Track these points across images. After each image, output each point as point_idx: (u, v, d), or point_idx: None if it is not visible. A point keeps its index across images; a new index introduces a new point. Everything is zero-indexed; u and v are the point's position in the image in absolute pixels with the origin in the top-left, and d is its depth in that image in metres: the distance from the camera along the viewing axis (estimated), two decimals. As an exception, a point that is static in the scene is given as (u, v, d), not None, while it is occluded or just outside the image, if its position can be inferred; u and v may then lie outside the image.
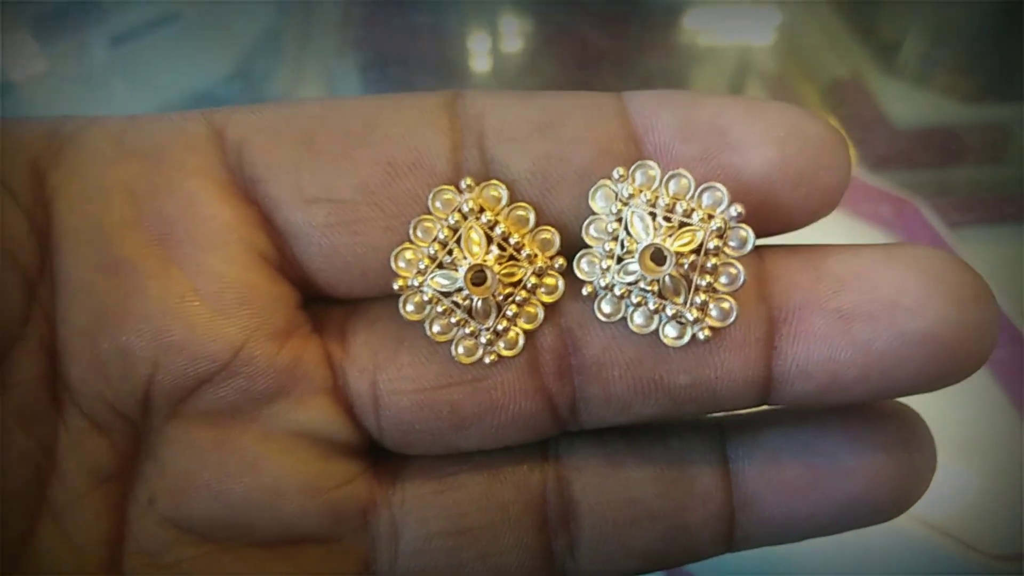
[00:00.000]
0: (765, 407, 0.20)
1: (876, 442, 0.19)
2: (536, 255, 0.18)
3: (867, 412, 0.20)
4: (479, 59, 0.54)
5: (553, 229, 0.18)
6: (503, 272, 0.18)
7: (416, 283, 0.18)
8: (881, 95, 0.53)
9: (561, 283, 0.19)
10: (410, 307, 0.19)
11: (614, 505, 0.20)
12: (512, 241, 0.18)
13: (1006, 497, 0.35)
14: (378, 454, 0.20)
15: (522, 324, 0.19)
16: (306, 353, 0.19)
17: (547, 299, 0.19)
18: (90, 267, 0.18)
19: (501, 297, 0.18)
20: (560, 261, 0.18)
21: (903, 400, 0.20)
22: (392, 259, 0.18)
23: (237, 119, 0.19)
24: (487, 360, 0.19)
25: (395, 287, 0.18)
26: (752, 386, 0.18)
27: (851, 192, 0.46)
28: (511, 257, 0.18)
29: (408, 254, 0.18)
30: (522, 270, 0.18)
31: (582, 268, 0.18)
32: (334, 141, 0.18)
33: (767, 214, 0.18)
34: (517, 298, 0.18)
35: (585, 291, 0.18)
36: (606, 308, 0.18)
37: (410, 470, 0.20)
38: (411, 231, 0.18)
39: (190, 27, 0.48)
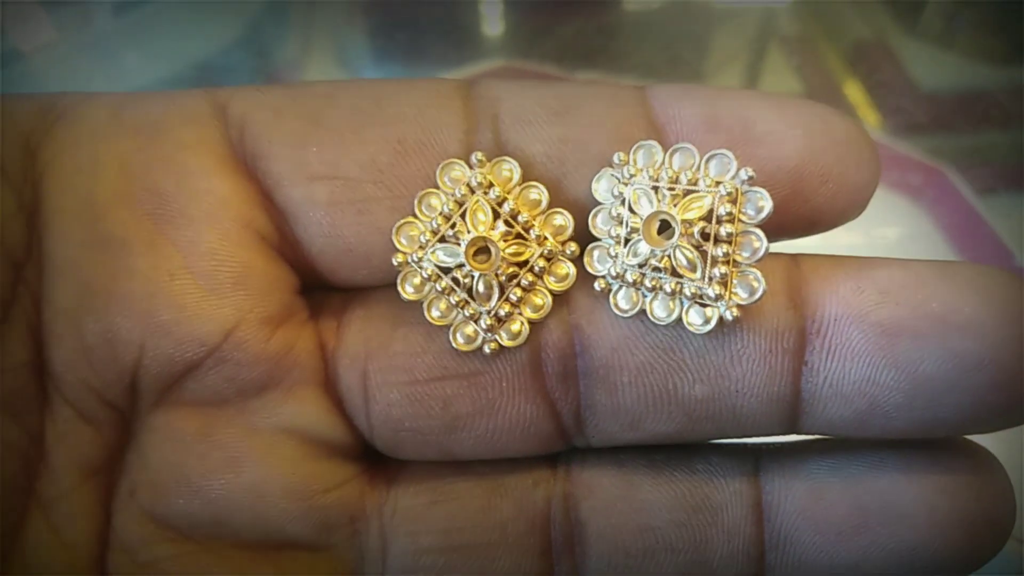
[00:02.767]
0: (808, 437, 0.18)
1: (940, 484, 0.17)
2: (546, 237, 0.17)
3: (932, 448, 0.17)
4: (491, 23, 0.52)
5: (566, 212, 0.17)
6: (509, 251, 0.17)
7: (416, 258, 0.17)
8: (906, 57, 0.52)
9: (572, 270, 0.17)
10: (409, 287, 0.18)
11: (626, 531, 0.18)
12: (521, 219, 0.17)
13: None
14: (373, 459, 0.19)
15: (527, 312, 0.17)
16: (299, 341, 0.18)
17: (556, 287, 0.18)
18: (77, 244, 0.17)
19: (504, 277, 0.17)
20: (573, 247, 0.17)
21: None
22: (394, 232, 0.17)
23: (241, 95, 0.18)
24: (487, 349, 0.17)
25: (395, 262, 0.17)
26: (779, 405, 0.17)
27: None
28: (519, 236, 0.17)
29: (410, 229, 0.17)
30: (530, 250, 0.17)
31: (592, 261, 0.17)
32: (342, 118, 0.17)
33: (793, 211, 0.16)
34: (523, 281, 0.17)
35: (598, 286, 0.17)
36: (622, 300, 0.17)
37: (405, 478, 0.19)
38: (416, 205, 0.17)
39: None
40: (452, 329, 0.18)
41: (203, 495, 0.17)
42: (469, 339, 0.17)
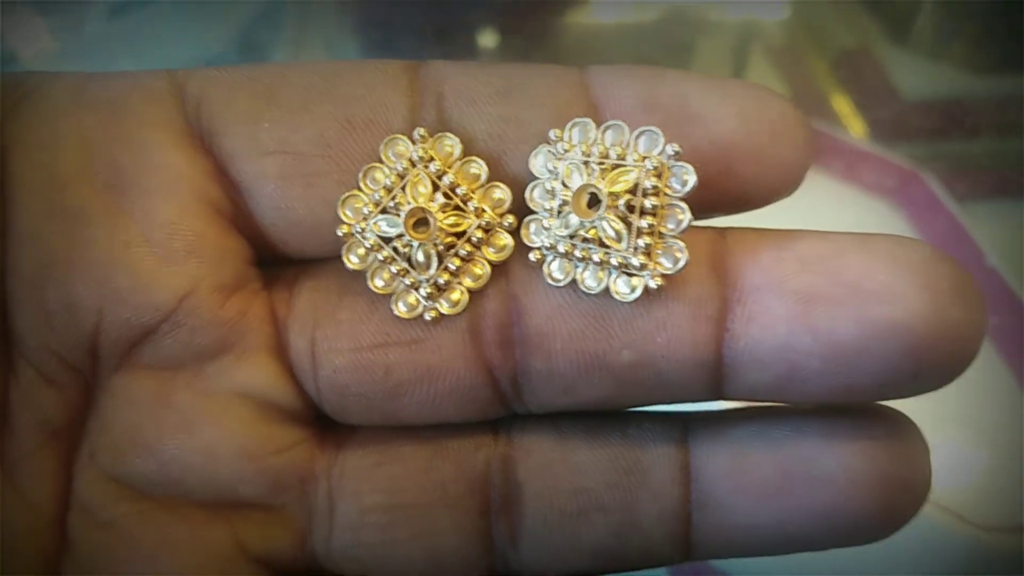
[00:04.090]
0: (735, 405, 0.18)
1: (860, 448, 0.17)
2: (484, 209, 0.18)
3: (852, 414, 0.18)
4: (486, 34, 0.53)
5: (505, 186, 0.18)
6: (447, 222, 0.18)
7: (360, 229, 0.18)
8: (891, 67, 0.52)
9: (510, 241, 0.18)
10: (353, 257, 0.18)
11: (562, 492, 0.19)
12: (460, 192, 0.18)
13: (1003, 469, 0.35)
14: (323, 424, 0.20)
15: (467, 282, 0.18)
16: (252, 308, 0.19)
17: (495, 258, 0.18)
18: (40, 216, 0.17)
19: (443, 247, 0.18)
20: (510, 219, 0.18)
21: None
22: (339, 205, 0.18)
23: (199, 75, 0.19)
24: (427, 316, 0.18)
25: (339, 233, 0.18)
26: (702, 370, 0.17)
27: (856, 162, 0.46)
28: (457, 208, 0.18)
29: (355, 202, 0.18)
30: (467, 222, 0.18)
31: (528, 233, 0.18)
32: (294, 96, 0.18)
33: (725, 187, 0.17)
34: (461, 251, 0.18)
35: (533, 257, 0.18)
36: (555, 271, 0.18)
37: (354, 442, 0.20)
38: (360, 178, 0.18)
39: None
40: (394, 297, 0.18)
41: (158, 456, 0.18)
42: (411, 307, 0.18)
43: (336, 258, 0.19)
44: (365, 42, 0.52)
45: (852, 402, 0.18)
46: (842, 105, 0.50)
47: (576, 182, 0.17)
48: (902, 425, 0.18)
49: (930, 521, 0.32)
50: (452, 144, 0.18)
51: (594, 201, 0.17)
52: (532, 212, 0.18)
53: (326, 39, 0.52)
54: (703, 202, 0.17)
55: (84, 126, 0.18)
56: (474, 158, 0.18)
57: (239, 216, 0.19)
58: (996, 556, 0.31)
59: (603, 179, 0.17)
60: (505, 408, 0.19)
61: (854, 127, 0.49)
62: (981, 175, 0.46)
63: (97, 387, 0.18)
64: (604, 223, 0.17)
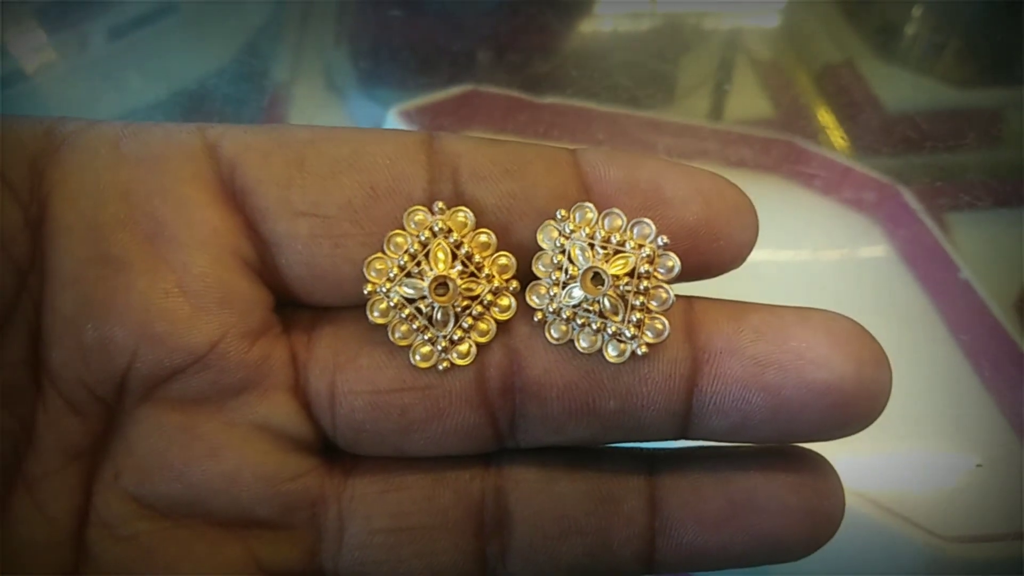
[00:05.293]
0: (693, 444, 0.22)
1: (789, 484, 0.21)
2: (494, 275, 0.20)
3: (784, 456, 0.21)
4: (481, 50, 0.54)
5: (510, 255, 0.21)
6: (464, 286, 0.20)
7: (385, 289, 0.20)
8: (874, 79, 0.54)
9: (514, 303, 0.21)
10: (376, 312, 0.20)
11: (546, 518, 0.21)
12: (474, 260, 0.20)
13: (971, 479, 0.36)
14: (332, 453, 0.22)
15: (475, 336, 0.21)
16: (274, 352, 0.21)
17: (501, 316, 0.21)
18: (81, 260, 0.19)
19: (460, 309, 0.20)
20: (515, 284, 0.21)
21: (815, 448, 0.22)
22: (365, 266, 0.20)
23: (232, 135, 0.20)
24: (440, 367, 0.20)
25: (365, 292, 0.20)
26: (673, 417, 0.20)
27: (834, 177, 0.48)
28: (471, 274, 0.20)
29: (379, 264, 0.20)
30: (480, 287, 0.20)
31: (532, 298, 0.21)
32: (323, 164, 0.20)
33: (690, 261, 0.20)
34: (474, 312, 0.20)
35: (536, 318, 0.20)
36: (555, 332, 0.20)
37: (360, 470, 0.22)
38: (384, 244, 0.20)
39: (189, 18, 0.49)
40: (412, 349, 0.20)
41: (185, 479, 0.20)
42: (426, 357, 0.20)
43: (351, 308, 0.21)
44: (362, 60, 0.53)
45: (787, 443, 0.21)
46: (826, 117, 0.52)
47: (582, 261, 0.20)
48: (822, 466, 0.21)
49: (893, 532, 0.33)
50: (466, 216, 0.20)
51: (596, 278, 0.20)
52: (534, 278, 0.21)
53: (323, 51, 0.53)
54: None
55: (124, 177, 0.19)
56: (485, 230, 0.20)
57: (266, 270, 0.21)
58: (959, 567, 0.33)
59: (606, 261, 0.20)
60: (499, 444, 0.21)
61: (836, 140, 0.51)
62: (959, 186, 0.48)
63: (122, 416, 0.20)
64: (606, 299, 0.20)
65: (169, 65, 0.49)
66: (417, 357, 0.20)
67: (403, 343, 0.20)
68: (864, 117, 0.52)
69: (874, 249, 0.46)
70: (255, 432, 0.20)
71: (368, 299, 0.20)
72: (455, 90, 0.50)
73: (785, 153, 0.49)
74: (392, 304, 0.20)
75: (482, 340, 0.20)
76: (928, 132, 0.50)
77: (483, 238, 0.20)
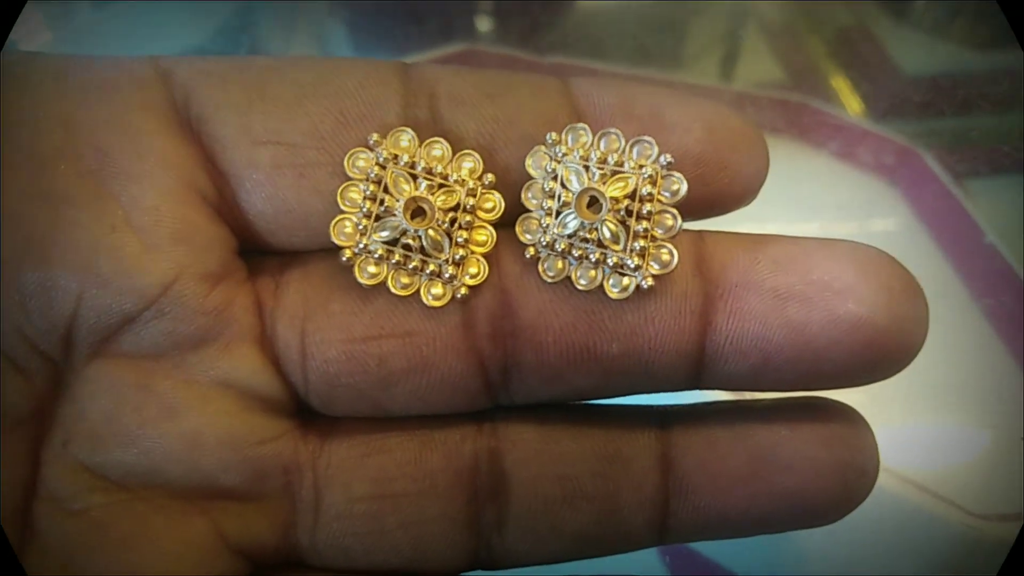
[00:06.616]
0: (708, 399, 0.20)
1: (818, 438, 0.19)
2: (464, 179, 0.18)
3: (809, 407, 0.20)
4: (482, 18, 0.53)
5: (475, 153, 0.19)
6: (439, 200, 0.18)
7: (363, 245, 0.18)
8: (889, 44, 0.52)
9: (500, 200, 0.19)
10: (366, 274, 0.18)
11: (546, 481, 0.19)
12: (437, 172, 0.18)
13: (1001, 453, 0.35)
14: (306, 416, 0.20)
15: (477, 250, 0.19)
16: (237, 298, 0.19)
17: (489, 217, 0.19)
18: (21, 196, 0.17)
19: (447, 225, 0.18)
20: (489, 177, 0.19)
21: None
22: (338, 195, 0.18)
23: (187, 63, 0.19)
24: (458, 295, 0.18)
25: (343, 260, 0.18)
26: (685, 360, 0.18)
27: (853, 139, 0.46)
28: (441, 186, 0.19)
29: (346, 226, 0.18)
30: (456, 194, 0.18)
31: (523, 232, 0.19)
32: (286, 90, 0.18)
33: (695, 194, 0.18)
34: (462, 221, 0.18)
35: (528, 253, 0.18)
36: (549, 268, 0.18)
37: (338, 433, 0.20)
38: (339, 201, 0.18)
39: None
40: (421, 292, 0.19)
41: (139, 444, 0.18)
42: (439, 296, 0.19)
43: (321, 251, 0.19)
44: (357, 28, 0.52)
45: (815, 390, 0.19)
46: (840, 83, 0.50)
47: (577, 185, 0.18)
48: (852, 417, 0.20)
49: (924, 509, 0.32)
50: (444, 148, 0.18)
51: (592, 203, 0.18)
52: (524, 210, 0.19)
53: (317, 23, 0.52)
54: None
55: (66, 108, 0.18)
56: (470, 152, 0.18)
57: (226, 205, 0.19)
58: (990, 545, 0.31)
59: (603, 183, 0.18)
60: (491, 400, 0.19)
61: (852, 105, 0.49)
62: (981, 151, 0.46)
63: (70, 375, 0.18)
64: (604, 225, 0.18)
65: (156, 34, 0.47)
66: (430, 298, 0.18)
67: (372, 282, 0.18)
68: (880, 82, 0.51)
69: (893, 216, 0.44)
70: (217, 390, 0.18)
71: (350, 264, 0.18)
72: (452, 48, 0.48)
73: (799, 114, 0.47)
74: (378, 257, 0.18)
75: (473, 282, 0.19)
76: (946, 96, 0.49)
77: (436, 150, 0.19)
